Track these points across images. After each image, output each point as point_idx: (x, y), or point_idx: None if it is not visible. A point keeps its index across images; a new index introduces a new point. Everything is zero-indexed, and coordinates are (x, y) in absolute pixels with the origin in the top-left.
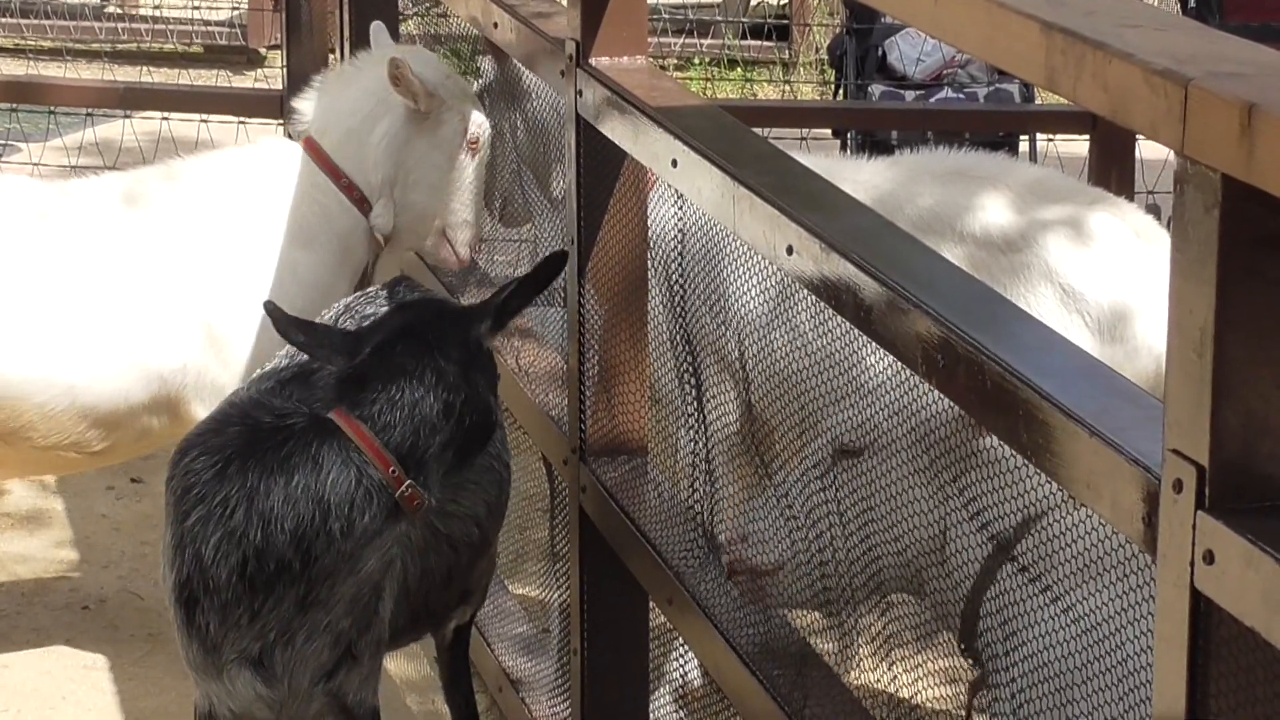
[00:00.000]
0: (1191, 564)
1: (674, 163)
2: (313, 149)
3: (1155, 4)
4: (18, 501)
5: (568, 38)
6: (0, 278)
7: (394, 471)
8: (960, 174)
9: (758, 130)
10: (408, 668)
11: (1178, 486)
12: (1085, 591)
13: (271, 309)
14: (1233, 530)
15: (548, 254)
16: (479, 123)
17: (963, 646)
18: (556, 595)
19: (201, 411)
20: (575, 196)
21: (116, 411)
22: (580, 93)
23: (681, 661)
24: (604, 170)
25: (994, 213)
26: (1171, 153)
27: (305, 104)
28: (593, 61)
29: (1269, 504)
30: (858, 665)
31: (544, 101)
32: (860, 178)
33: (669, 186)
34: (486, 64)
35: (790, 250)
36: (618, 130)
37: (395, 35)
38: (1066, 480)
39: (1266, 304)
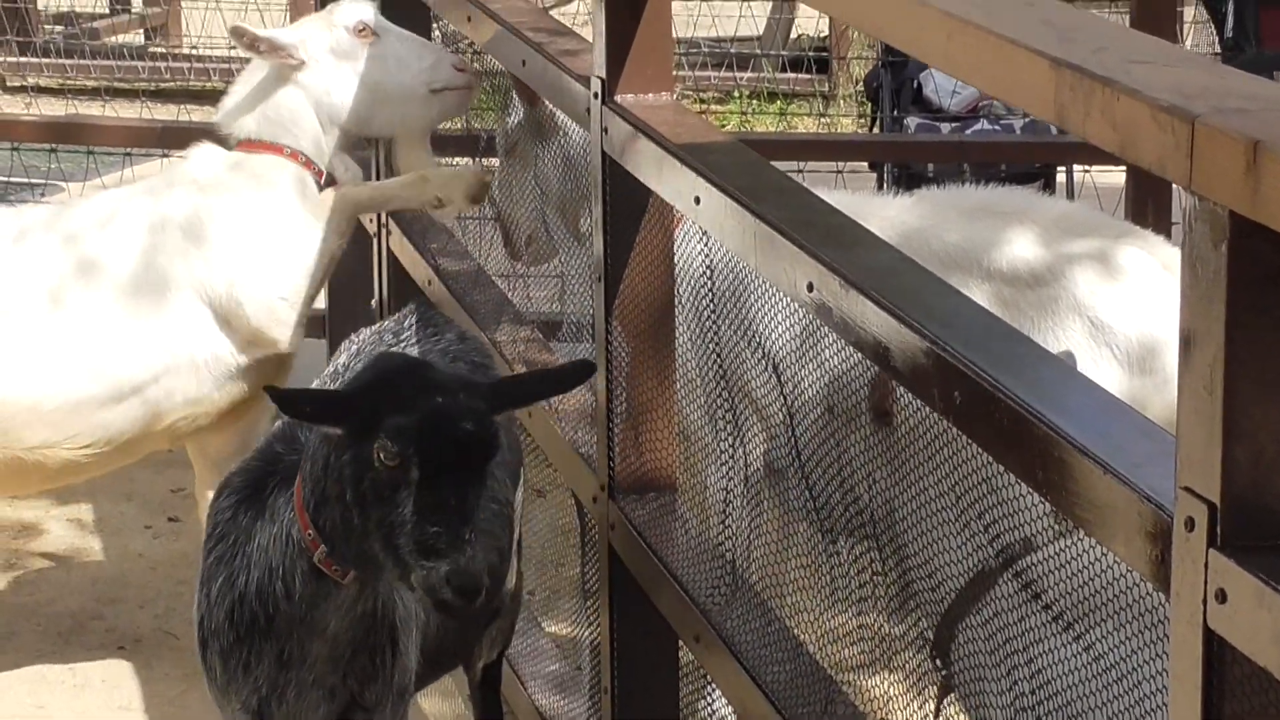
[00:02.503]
0: (1204, 602)
1: (697, 199)
2: (249, 145)
3: (1190, 35)
4: (54, 540)
5: (593, 74)
6: None
7: (311, 534)
8: (986, 210)
9: (793, 164)
10: (442, 706)
11: (1189, 524)
12: (1097, 625)
13: (272, 393)
14: (1244, 569)
15: (576, 362)
16: (351, 14)
17: (933, 651)
18: (588, 633)
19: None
20: (602, 233)
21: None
22: (605, 129)
23: (712, 699)
24: (630, 206)
25: (1021, 248)
26: None
27: (226, 116)
28: (618, 98)
29: None
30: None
31: (571, 138)
32: (887, 214)
33: (693, 223)
34: (515, 100)
35: (810, 287)
36: (642, 167)
37: None
38: (1081, 517)
39: (1275, 341)
